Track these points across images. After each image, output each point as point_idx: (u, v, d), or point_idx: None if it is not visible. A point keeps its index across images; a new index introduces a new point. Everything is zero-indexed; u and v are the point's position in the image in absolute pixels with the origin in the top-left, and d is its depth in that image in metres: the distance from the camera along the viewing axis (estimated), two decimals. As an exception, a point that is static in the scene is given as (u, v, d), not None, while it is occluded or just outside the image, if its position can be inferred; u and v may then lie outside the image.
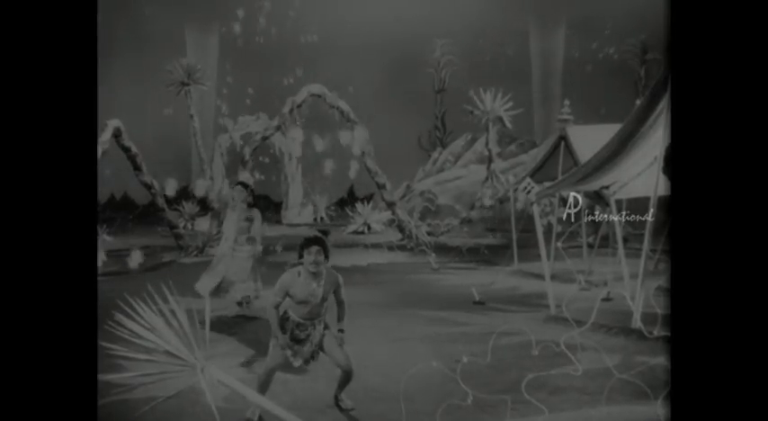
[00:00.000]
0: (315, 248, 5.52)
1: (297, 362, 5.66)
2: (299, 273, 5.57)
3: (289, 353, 5.59)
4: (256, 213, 9.24)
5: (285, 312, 5.65)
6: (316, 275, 5.53)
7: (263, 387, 5.56)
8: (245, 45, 26.16)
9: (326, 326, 5.72)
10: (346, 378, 5.70)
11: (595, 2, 24.59)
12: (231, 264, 9.08)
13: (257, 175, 20.48)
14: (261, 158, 19.66)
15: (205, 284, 8.98)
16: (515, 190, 13.88)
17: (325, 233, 5.68)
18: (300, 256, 5.56)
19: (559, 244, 9.99)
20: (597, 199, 10.58)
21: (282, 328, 5.58)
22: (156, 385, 4.63)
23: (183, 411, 5.59)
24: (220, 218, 17.20)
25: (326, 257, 5.58)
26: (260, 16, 25.77)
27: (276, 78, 24.36)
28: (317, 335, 5.68)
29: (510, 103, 17.75)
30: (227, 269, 9.08)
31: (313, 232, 5.63)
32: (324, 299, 5.59)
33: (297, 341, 5.64)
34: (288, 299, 5.61)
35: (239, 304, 9.23)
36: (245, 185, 9.38)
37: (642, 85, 25.63)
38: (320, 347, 5.70)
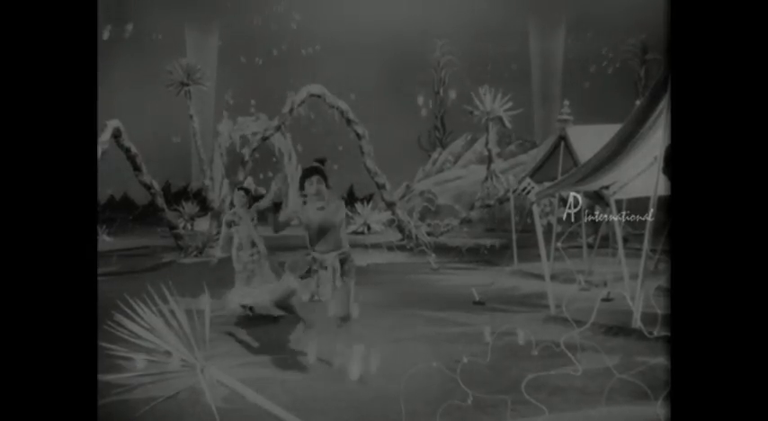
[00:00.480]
0: (315, 178, 5.73)
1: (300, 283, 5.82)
2: (305, 202, 5.77)
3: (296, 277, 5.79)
4: (251, 213, 9.27)
5: (307, 251, 5.78)
6: (320, 203, 5.70)
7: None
8: (246, 45, 26.17)
9: (344, 261, 5.80)
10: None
11: (595, 2, 24.60)
12: (250, 271, 9.12)
13: (260, 176, 20.45)
14: (258, 157, 19.65)
15: (234, 298, 9.05)
16: (515, 190, 13.88)
17: (322, 162, 5.89)
18: (302, 188, 5.74)
19: (559, 244, 9.99)
20: (597, 199, 10.57)
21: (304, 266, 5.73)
22: (155, 385, 4.64)
23: (183, 411, 5.59)
24: (220, 218, 17.22)
25: (327, 185, 5.79)
26: (260, 16, 25.76)
27: (276, 78, 24.38)
28: (330, 269, 5.76)
29: (510, 103, 17.76)
30: (250, 277, 9.10)
31: (311, 163, 5.82)
32: (335, 225, 5.70)
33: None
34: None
35: (244, 307, 9.23)
36: (246, 190, 9.45)
37: (642, 86, 25.65)
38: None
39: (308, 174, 5.74)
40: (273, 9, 25.42)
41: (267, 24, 26.18)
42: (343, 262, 5.92)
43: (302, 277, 5.76)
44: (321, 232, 5.70)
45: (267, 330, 8.43)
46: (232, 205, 9.58)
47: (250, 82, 25.41)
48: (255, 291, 9.03)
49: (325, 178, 5.74)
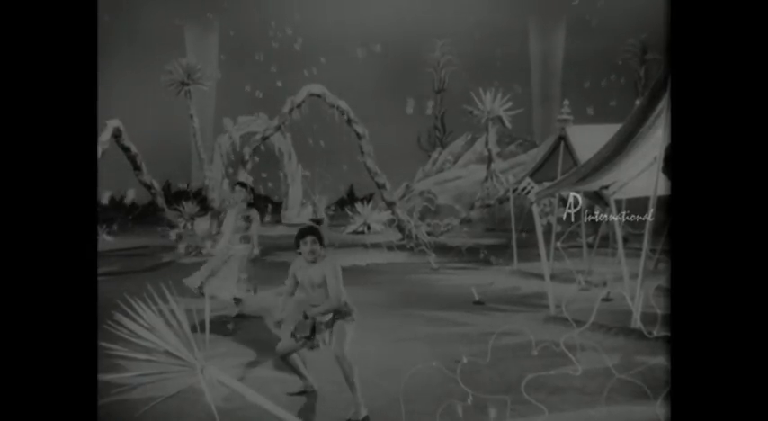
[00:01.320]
0: (310, 238, 5.83)
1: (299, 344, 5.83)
2: (301, 264, 5.92)
3: (290, 336, 5.82)
4: (254, 213, 9.26)
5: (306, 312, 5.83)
6: (314, 263, 5.82)
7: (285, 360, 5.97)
8: (246, 45, 26.17)
9: (336, 318, 5.81)
10: (344, 375, 5.58)
11: (595, 2, 24.61)
12: (221, 262, 9.12)
13: (262, 175, 20.47)
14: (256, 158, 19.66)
15: (194, 279, 9.04)
16: (514, 190, 13.88)
17: (319, 222, 6.09)
18: (298, 246, 5.86)
19: (559, 244, 9.99)
20: (597, 199, 10.57)
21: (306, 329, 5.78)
22: (155, 385, 4.63)
23: (183, 411, 5.59)
24: (220, 217, 17.22)
25: (322, 245, 5.89)
26: (260, 16, 25.76)
27: (276, 78, 24.37)
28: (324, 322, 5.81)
29: (509, 103, 17.76)
30: (216, 266, 9.11)
31: (307, 223, 5.73)
32: (323, 284, 5.77)
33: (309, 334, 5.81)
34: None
35: (236, 302, 9.24)
36: (243, 185, 9.44)
37: (642, 85, 25.64)
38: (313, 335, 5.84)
39: (302, 234, 5.86)
40: (273, 8, 25.41)
41: (267, 24, 26.18)
42: (345, 314, 5.89)
43: (302, 339, 5.79)
44: (318, 286, 5.79)
45: (264, 329, 8.44)
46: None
47: (250, 81, 25.40)
48: (222, 284, 9.00)
49: (320, 239, 5.88)
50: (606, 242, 13.00)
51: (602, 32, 25.23)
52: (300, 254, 5.84)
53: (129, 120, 15.43)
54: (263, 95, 23.89)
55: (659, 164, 7.73)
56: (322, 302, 5.76)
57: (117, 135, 14.80)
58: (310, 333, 5.78)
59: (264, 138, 17.71)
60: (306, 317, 5.75)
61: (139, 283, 4.80)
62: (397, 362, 7.00)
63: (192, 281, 9.02)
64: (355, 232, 20.44)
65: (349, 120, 17.55)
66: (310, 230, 5.89)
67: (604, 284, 10.40)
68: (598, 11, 24.59)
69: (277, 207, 26.49)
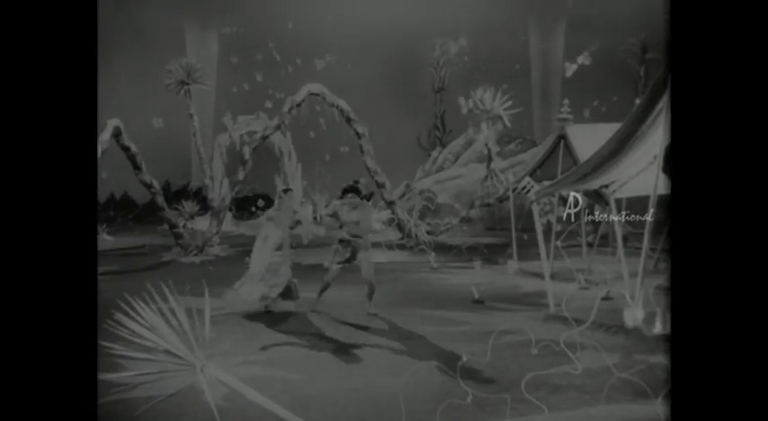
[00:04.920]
0: (350, 194, 9.16)
1: (338, 259, 9.18)
2: (343, 205, 9.12)
3: (334, 249, 9.25)
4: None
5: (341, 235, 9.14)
6: (355, 207, 9.10)
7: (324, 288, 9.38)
8: (245, 44, 26.15)
9: (365, 248, 9.18)
10: (370, 290, 9.18)
11: (595, 2, 24.58)
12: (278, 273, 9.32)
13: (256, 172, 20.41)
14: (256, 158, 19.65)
15: (260, 292, 9.21)
16: (514, 189, 13.87)
17: (357, 182, 9.34)
18: (341, 197, 9.19)
19: (559, 243, 9.99)
20: (597, 198, 10.57)
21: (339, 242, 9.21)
22: (155, 384, 4.64)
23: (183, 410, 5.59)
24: (220, 217, 17.19)
25: (361, 197, 9.17)
26: (260, 16, 25.74)
27: (276, 78, 24.35)
28: (358, 246, 9.13)
29: (509, 103, 17.74)
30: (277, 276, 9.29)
31: (349, 183, 9.27)
32: (362, 222, 9.09)
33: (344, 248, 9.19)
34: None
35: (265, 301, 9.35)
36: (287, 190, 9.93)
37: (642, 85, 25.60)
38: (354, 257, 9.17)
39: (345, 191, 9.19)
40: (273, 8, 25.37)
41: (267, 24, 26.15)
42: (366, 247, 9.22)
43: (342, 262, 9.19)
44: (355, 224, 9.03)
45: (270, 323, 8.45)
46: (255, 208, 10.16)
47: (250, 81, 25.38)
48: (267, 285, 9.19)
49: (359, 194, 9.15)
50: (606, 241, 13.00)
51: (602, 32, 25.20)
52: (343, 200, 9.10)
53: (129, 120, 15.39)
54: (264, 95, 23.87)
55: (659, 163, 7.73)
56: (361, 235, 9.07)
57: (117, 134, 14.77)
58: (350, 256, 9.17)
59: (264, 138, 17.69)
60: (341, 241, 9.09)
61: (139, 283, 4.79)
62: (397, 361, 7.01)
63: (249, 293, 9.25)
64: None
65: (349, 120, 17.53)
66: (351, 189, 9.18)
67: (604, 283, 10.39)
68: (598, 11, 24.55)
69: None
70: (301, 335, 8.21)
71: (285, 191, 9.92)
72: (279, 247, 9.34)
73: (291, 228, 9.54)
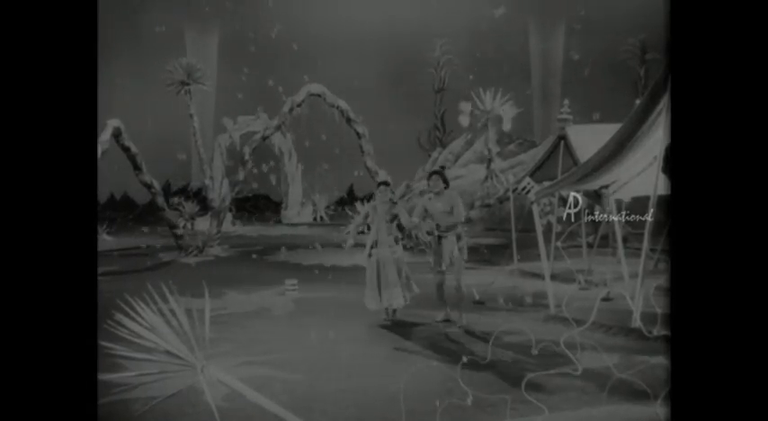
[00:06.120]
0: (434, 177, 8.58)
1: (439, 268, 8.66)
2: (430, 198, 8.62)
3: (432, 260, 8.78)
4: (400, 209, 9.24)
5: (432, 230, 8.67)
6: (439, 196, 8.49)
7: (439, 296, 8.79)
8: (245, 44, 26.16)
9: (459, 238, 8.59)
10: (459, 296, 8.61)
11: (595, 2, 24.60)
12: (377, 271, 8.97)
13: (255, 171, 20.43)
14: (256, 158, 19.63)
15: (372, 302, 8.90)
16: (514, 189, 13.86)
17: (443, 168, 9.12)
18: (428, 184, 8.71)
19: (559, 243, 9.98)
20: (597, 198, 10.57)
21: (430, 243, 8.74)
22: (155, 384, 4.64)
23: (183, 411, 5.59)
24: (220, 217, 17.21)
25: (446, 184, 8.54)
26: (260, 15, 25.76)
27: (276, 77, 24.36)
28: (450, 244, 8.50)
29: (510, 103, 17.74)
30: (374, 277, 8.99)
31: (434, 167, 8.99)
32: (449, 213, 8.43)
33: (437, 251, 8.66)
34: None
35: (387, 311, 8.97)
36: (386, 184, 9.34)
37: (642, 85, 25.63)
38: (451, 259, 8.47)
39: (430, 175, 8.70)
40: (273, 8, 25.38)
41: (267, 24, 26.16)
42: (458, 237, 8.56)
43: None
44: (447, 214, 8.40)
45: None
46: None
47: (250, 80, 25.39)
48: (393, 291, 8.79)
49: (443, 178, 8.55)
50: (606, 241, 12.98)
51: (601, 32, 25.21)
52: (430, 192, 8.61)
53: (129, 120, 15.40)
54: (263, 95, 23.88)
55: (659, 163, 7.72)
56: (452, 227, 8.47)
57: (117, 135, 14.78)
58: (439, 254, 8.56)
59: (264, 138, 17.70)
60: (430, 234, 8.69)
61: (139, 283, 4.79)
62: (397, 361, 7.01)
63: (374, 304, 8.85)
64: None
65: (349, 120, 17.54)
66: (436, 172, 8.73)
67: (604, 284, 10.39)
68: (598, 11, 24.56)
69: (277, 206, 26.49)
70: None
71: (381, 184, 9.35)
72: (374, 244, 8.99)
73: (389, 221, 9.02)
